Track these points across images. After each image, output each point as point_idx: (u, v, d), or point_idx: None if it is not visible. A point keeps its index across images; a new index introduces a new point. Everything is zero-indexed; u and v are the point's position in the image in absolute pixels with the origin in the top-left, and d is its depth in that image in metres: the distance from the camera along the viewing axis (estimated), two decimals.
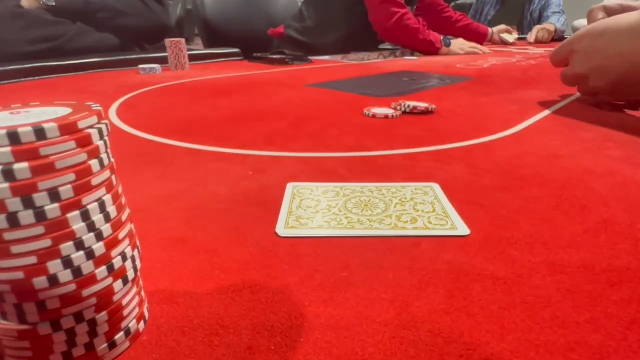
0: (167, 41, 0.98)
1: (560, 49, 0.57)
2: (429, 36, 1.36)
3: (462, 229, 0.25)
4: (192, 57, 1.11)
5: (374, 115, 0.52)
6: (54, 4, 1.02)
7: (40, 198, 0.13)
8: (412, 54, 1.36)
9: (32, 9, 1.01)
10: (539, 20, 2.23)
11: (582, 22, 1.86)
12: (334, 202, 0.28)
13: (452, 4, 2.35)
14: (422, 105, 0.54)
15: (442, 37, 1.38)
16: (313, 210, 0.27)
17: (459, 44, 1.42)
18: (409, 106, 0.53)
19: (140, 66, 0.94)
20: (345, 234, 0.25)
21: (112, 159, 0.16)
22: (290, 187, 0.31)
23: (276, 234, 0.25)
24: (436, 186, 0.31)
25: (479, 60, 1.16)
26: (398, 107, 0.54)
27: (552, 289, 0.20)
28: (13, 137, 0.12)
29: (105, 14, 1.11)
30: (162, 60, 1.03)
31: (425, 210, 0.27)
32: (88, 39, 1.07)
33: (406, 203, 0.28)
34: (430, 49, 1.37)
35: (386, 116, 0.52)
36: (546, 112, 0.54)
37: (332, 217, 0.26)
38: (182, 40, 0.99)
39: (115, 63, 1.00)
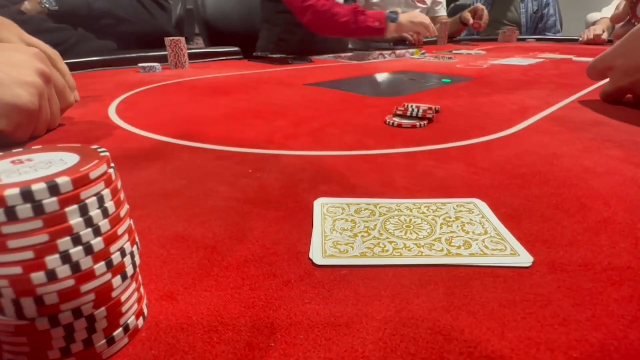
0: (167, 40, 0.98)
1: (597, 63, 0.59)
2: (366, 21, 1.21)
3: (525, 257, 0.22)
4: (192, 56, 1.11)
5: (399, 126, 0.48)
6: (57, 8, 1.01)
7: (39, 191, 0.13)
8: (412, 54, 1.34)
9: (34, 14, 1.00)
10: (540, 19, 2.22)
11: (595, 15, 1.85)
12: (371, 224, 0.25)
13: (452, 4, 2.35)
14: (428, 108, 0.51)
15: (386, 13, 1.23)
16: (350, 233, 0.24)
17: (408, 16, 1.27)
18: (418, 110, 0.50)
19: (140, 65, 0.94)
20: (394, 262, 0.22)
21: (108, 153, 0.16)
22: (318, 205, 0.28)
23: (311, 260, 0.22)
24: (479, 202, 0.28)
25: (478, 61, 1.16)
26: (408, 113, 0.51)
27: (553, 287, 0.20)
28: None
29: (108, 21, 1.10)
30: (162, 59, 1.03)
31: (476, 232, 0.24)
32: (89, 46, 1.07)
33: (452, 223, 0.25)
34: (374, 33, 1.23)
35: (414, 126, 0.48)
36: (546, 112, 0.54)
37: (374, 242, 0.23)
38: (182, 39, 0.99)
39: (115, 62, 1.00)
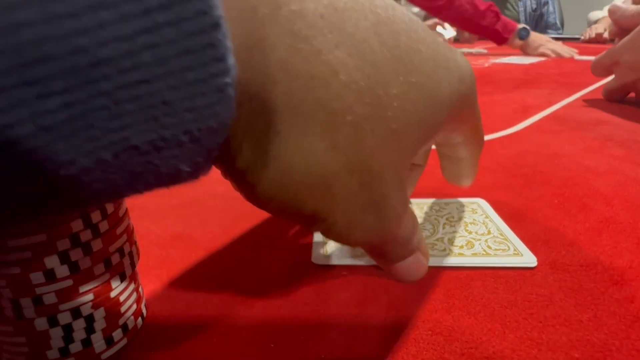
0: None
1: (604, 59, 0.58)
2: (496, 24, 1.21)
3: (528, 257, 0.21)
4: None
5: None
6: None
7: None
8: None
9: None
10: (540, 17, 2.21)
11: (596, 14, 1.83)
12: None
13: None
14: None
15: (519, 28, 1.23)
16: None
17: (539, 40, 1.23)
18: None
19: None
20: None
21: None
22: None
23: (311, 260, 0.22)
24: (483, 203, 0.28)
25: (479, 60, 1.16)
26: None
27: (554, 287, 0.19)
28: None
29: None
30: None
31: (479, 232, 0.24)
32: None
33: (455, 223, 0.25)
34: (496, 39, 1.25)
35: None
36: (547, 112, 0.54)
37: None
38: None
39: None
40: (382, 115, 0.11)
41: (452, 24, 1.30)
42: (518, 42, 1.23)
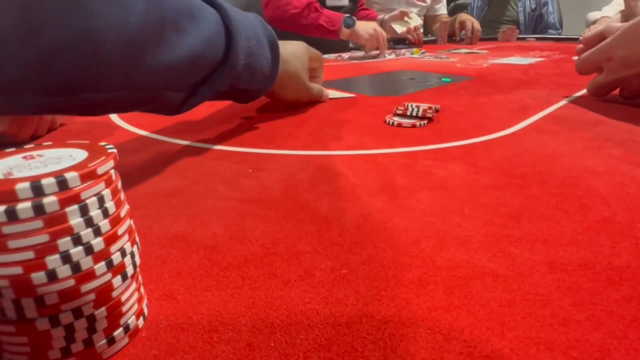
0: None
1: (595, 55, 0.56)
2: (319, 19, 1.18)
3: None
4: None
5: (399, 125, 0.48)
6: None
7: (48, 186, 0.13)
8: (412, 53, 1.34)
9: None
10: (540, 17, 2.21)
11: (595, 14, 1.83)
12: None
13: (452, 4, 2.33)
14: (428, 107, 0.51)
15: (344, 17, 1.20)
16: None
17: (366, 26, 1.23)
18: (418, 110, 0.50)
19: None
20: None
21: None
22: None
23: None
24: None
25: (478, 60, 1.16)
26: (408, 112, 0.50)
27: (553, 287, 0.20)
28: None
29: None
30: None
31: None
32: None
33: None
34: (326, 34, 1.20)
35: (413, 125, 0.48)
36: (546, 111, 0.54)
37: None
38: None
39: None
40: (297, 61, 0.53)
41: (276, 25, 1.23)
42: (346, 31, 1.20)
